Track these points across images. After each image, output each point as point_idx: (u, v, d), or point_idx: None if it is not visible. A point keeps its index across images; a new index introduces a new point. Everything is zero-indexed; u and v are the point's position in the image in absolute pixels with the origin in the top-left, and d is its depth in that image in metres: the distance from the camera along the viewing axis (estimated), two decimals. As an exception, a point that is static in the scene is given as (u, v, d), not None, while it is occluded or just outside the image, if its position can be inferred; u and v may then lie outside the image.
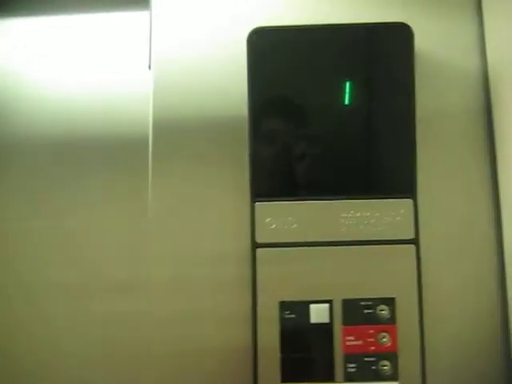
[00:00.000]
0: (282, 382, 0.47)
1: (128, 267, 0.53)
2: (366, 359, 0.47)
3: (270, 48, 0.50)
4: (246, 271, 0.49)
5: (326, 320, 0.48)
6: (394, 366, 0.47)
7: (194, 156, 0.52)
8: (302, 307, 0.48)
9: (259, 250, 0.48)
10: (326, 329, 0.48)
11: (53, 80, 0.56)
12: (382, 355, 0.47)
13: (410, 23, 0.49)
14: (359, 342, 0.48)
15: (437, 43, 0.53)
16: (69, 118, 0.55)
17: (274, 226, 0.48)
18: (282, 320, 0.48)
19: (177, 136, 0.52)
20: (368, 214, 0.48)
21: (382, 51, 0.50)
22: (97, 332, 0.52)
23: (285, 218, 0.48)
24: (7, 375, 0.53)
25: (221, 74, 0.53)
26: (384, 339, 0.48)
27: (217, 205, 0.51)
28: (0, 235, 0.55)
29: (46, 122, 0.55)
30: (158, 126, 0.53)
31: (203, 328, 0.50)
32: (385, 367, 0.47)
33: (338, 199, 0.49)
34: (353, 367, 0.47)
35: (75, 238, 0.54)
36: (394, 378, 0.47)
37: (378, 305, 0.48)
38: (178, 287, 0.51)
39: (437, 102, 0.52)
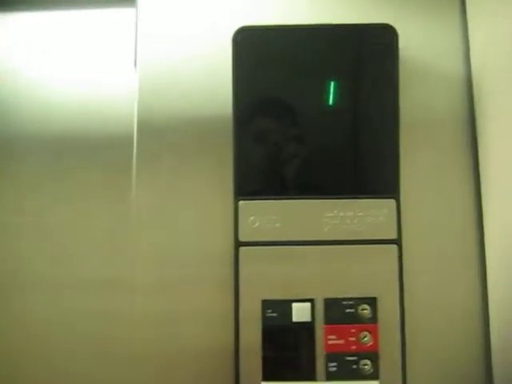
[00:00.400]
0: (263, 380, 0.47)
1: (110, 265, 0.52)
2: (347, 358, 0.48)
3: (255, 47, 0.50)
4: (229, 270, 0.49)
5: (308, 319, 0.48)
6: (375, 365, 0.48)
7: (178, 154, 0.52)
8: (285, 306, 0.48)
9: (242, 249, 0.48)
10: (307, 328, 0.48)
11: (35, 77, 0.56)
12: (363, 354, 0.48)
13: (394, 25, 0.49)
14: (341, 341, 0.48)
15: (421, 45, 0.53)
16: (51, 116, 0.55)
17: (257, 225, 0.48)
18: (265, 318, 0.48)
19: (162, 134, 0.52)
20: (351, 213, 0.49)
21: (367, 52, 0.50)
22: (76, 330, 0.52)
23: (268, 216, 0.49)
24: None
25: (207, 72, 0.53)
26: (365, 338, 0.48)
27: (201, 203, 0.52)
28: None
29: (29, 119, 0.55)
30: (142, 124, 0.53)
31: (185, 327, 0.50)
32: (366, 366, 0.48)
33: (321, 198, 0.49)
34: (334, 366, 0.48)
35: (58, 235, 0.53)
36: (374, 377, 0.48)
37: (359, 304, 0.48)
38: (160, 286, 0.51)
39: (421, 103, 0.53)
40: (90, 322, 0.52)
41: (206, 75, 0.53)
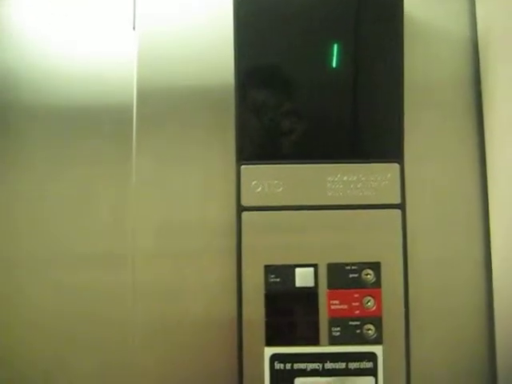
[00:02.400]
0: (266, 345, 0.47)
1: (111, 236, 0.52)
2: (350, 323, 0.47)
3: (257, 8, 0.48)
4: (232, 238, 0.48)
5: (311, 284, 0.47)
6: (379, 330, 0.47)
7: (178, 120, 0.51)
8: (288, 271, 0.47)
9: (245, 214, 0.48)
10: (311, 293, 0.47)
11: (31, 42, 0.54)
12: (366, 319, 0.47)
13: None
14: (344, 306, 0.48)
15: (427, 5, 0.52)
16: (49, 82, 0.53)
17: (259, 189, 0.48)
18: (267, 284, 0.47)
19: (162, 100, 0.51)
20: (355, 178, 0.48)
21: (371, 13, 0.49)
22: (73, 306, 0.51)
23: (271, 181, 0.48)
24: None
25: (208, 35, 0.52)
26: (369, 303, 0.48)
27: (203, 169, 0.51)
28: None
29: (26, 86, 0.54)
30: (142, 90, 0.52)
31: (187, 299, 0.50)
32: (369, 331, 0.47)
33: (324, 163, 0.48)
34: (337, 331, 0.47)
35: (54, 207, 0.52)
36: (378, 341, 0.47)
37: (363, 269, 0.48)
38: (161, 256, 0.50)
39: (425, 67, 0.52)
40: (87, 298, 0.51)
41: (207, 38, 0.52)
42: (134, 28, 0.52)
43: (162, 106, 0.51)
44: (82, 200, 0.52)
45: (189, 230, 0.50)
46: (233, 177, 0.48)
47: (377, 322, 0.47)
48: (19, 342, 0.51)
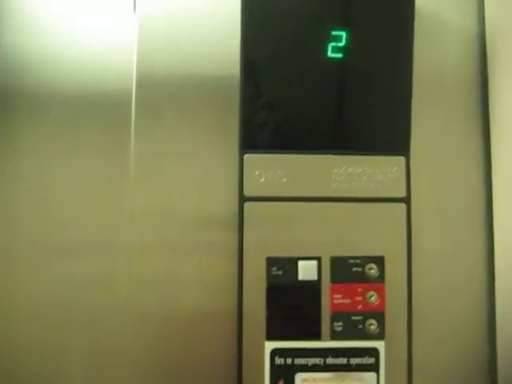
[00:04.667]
0: (267, 339, 0.46)
1: (109, 227, 0.50)
2: (353, 318, 0.47)
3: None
4: (232, 230, 0.47)
5: (314, 277, 0.46)
6: (381, 325, 0.47)
7: (178, 108, 0.50)
8: (290, 264, 0.46)
9: (247, 204, 0.47)
10: (313, 286, 0.46)
11: (31, 25, 0.52)
12: (369, 314, 0.47)
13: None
14: (347, 301, 0.47)
15: (435, 3, 0.51)
16: (47, 67, 0.51)
17: (263, 180, 0.47)
18: (269, 276, 0.46)
19: (162, 87, 0.50)
20: (360, 170, 0.47)
21: (382, 4, 0.48)
22: (71, 295, 0.49)
23: (274, 171, 0.47)
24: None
25: (211, 20, 0.50)
26: (372, 298, 0.47)
27: (203, 159, 0.49)
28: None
29: (25, 70, 0.52)
30: (141, 76, 0.50)
31: (185, 290, 0.48)
32: (371, 326, 0.47)
33: (329, 154, 0.47)
34: (340, 325, 0.46)
35: (52, 195, 0.50)
36: (380, 336, 0.47)
37: (366, 263, 0.47)
38: (161, 246, 0.48)
39: (434, 59, 0.51)
40: (85, 287, 0.49)
41: (210, 25, 0.50)
42: (134, 10, 0.50)
43: (162, 92, 0.50)
44: (80, 188, 0.50)
45: (188, 221, 0.49)
46: (234, 167, 0.47)
47: (379, 317, 0.47)
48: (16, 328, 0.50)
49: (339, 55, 0.47)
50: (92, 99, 0.51)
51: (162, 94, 0.50)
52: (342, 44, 0.47)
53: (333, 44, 0.47)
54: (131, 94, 0.50)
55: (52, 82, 0.51)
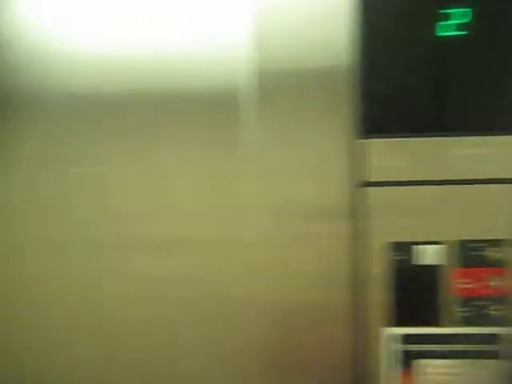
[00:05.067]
0: (391, 326, 0.46)
1: (218, 223, 0.49)
2: (478, 303, 0.46)
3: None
4: (351, 217, 0.46)
5: (438, 262, 0.45)
6: (507, 310, 0.45)
7: (291, 99, 0.49)
8: (413, 248, 0.46)
9: (368, 189, 0.46)
10: (437, 271, 0.46)
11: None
12: (494, 299, 0.45)
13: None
14: (471, 285, 0.46)
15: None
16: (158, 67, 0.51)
17: (382, 164, 0.46)
18: (392, 261, 0.46)
19: (275, 79, 0.49)
20: (484, 151, 0.46)
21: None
22: (192, 289, 0.49)
23: (394, 155, 0.46)
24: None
25: (326, 15, 0.49)
26: (496, 282, 0.46)
27: (315, 147, 0.48)
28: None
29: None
30: (256, 69, 0.49)
31: (298, 282, 0.48)
32: (497, 311, 0.45)
33: (450, 136, 0.46)
34: (464, 311, 0.46)
35: (176, 190, 0.50)
36: (506, 322, 0.45)
37: (490, 246, 0.46)
38: (274, 238, 0.48)
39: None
40: (203, 282, 0.49)
41: (324, 18, 0.49)
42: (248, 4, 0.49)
43: (275, 84, 0.49)
44: (194, 183, 0.50)
45: (303, 210, 0.48)
46: (347, 154, 0.46)
47: (505, 301, 0.45)
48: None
49: (463, 33, 0.45)
50: (201, 91, 0.50)
51: (275, 86, 0.49)
52: (464, 21, 0.45)
53: (456, 22, 0.45)
54: (243, 86, 0.49)
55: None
